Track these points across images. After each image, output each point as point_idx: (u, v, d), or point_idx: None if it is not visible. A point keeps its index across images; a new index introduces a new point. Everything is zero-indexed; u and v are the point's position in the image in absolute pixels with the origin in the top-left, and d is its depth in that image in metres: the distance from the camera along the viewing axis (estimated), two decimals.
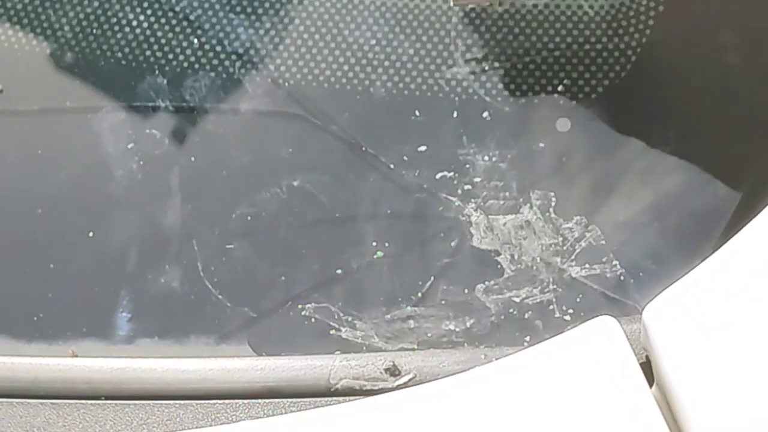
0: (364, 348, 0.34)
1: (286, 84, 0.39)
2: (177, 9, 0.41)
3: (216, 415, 0.31)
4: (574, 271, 0.34)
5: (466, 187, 0.36)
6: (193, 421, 0.31)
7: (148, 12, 0.41)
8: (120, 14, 0.41)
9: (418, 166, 0.37)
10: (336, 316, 0.35)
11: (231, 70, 0.39)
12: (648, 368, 0.28)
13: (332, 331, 0.34)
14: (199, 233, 0.37)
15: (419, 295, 0.35)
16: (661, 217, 0.34)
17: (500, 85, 0.37)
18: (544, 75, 0.37)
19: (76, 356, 0.34)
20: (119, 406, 0.32)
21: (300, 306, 0.35)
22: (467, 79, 0.38)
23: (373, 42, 0.39)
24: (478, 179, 0.36)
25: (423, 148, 0.37)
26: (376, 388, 0.31)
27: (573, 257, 0.34)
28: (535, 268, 0.34)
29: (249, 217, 0.37)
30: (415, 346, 0.33)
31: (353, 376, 0.32)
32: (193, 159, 0.38)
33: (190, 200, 0.37)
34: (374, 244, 0.36)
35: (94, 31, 0.41)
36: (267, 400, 0.32)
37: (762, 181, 0.33)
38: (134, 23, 0.41)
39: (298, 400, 0.31)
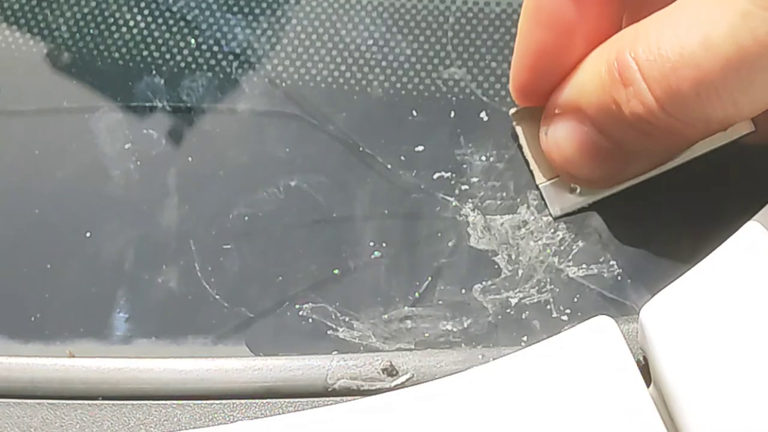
0: (362, 348, 0.34)
1: (284, 84, 0.39)
2: (174, 9, 0.41)
3: (213, 415, 0.31)
4: (571, 271, 0.34)
5: (464, 187, 0.36)
6: (191, 421, 0.31)
7: (145, 12, 0.41)
8: (117, 14, 0.41)
9: (416, 166, 0.37)
10: (333, 317, 0.35)
11: (228, 70, 0.39)
12: (645, 368, 0.28)
13: (329, 332, 0.34)
14: (197, 233, 0.37)
15: (417, 295, 0.35)
16: (658, 215, 0.34)
17: (498, 86, 0.37)
18: None
19: (74, 356, 0.34)
20: (116, 407, 0.32)
21: (297, 306, 0.35)
22: (464, 79, 0.38)
23: (371, 42, 0.39)
24: (475, 179, 0.36)
25: (420, 148, 0.37)
26: (373, 388, 0.31)
27: (570, 257, 0.34)
28: (532, 268, 0.34)
29: (246, 218, 0.37)
30: (413, 347, 0.33)
31: (350, 376, 0.32)
32: (190, 159, 0.38)
33: (187, 200, 0.37)
34: (372, 244, 0.36)
35: (91, 31, 0.41)
36: (264, 400, 0.32)
37: (761, 180, 0.33)
38: (131, 23, 0.41)
39: (296, 400, 0.32)
